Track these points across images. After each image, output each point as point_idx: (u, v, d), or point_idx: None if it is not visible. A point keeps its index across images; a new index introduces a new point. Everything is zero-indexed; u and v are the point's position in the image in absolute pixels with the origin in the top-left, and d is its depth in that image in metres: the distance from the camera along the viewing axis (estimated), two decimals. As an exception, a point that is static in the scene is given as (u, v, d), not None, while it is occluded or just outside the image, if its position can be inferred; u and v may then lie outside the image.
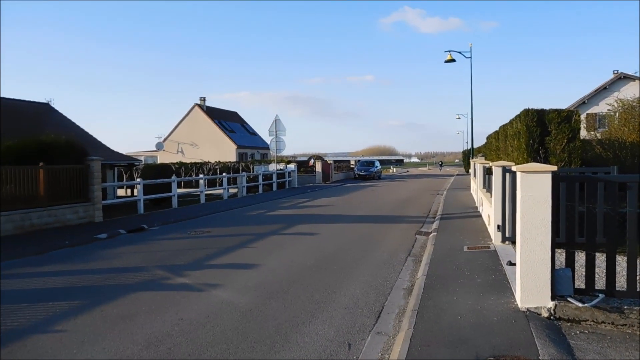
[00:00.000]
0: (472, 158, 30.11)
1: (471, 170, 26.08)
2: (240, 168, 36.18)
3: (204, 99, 56.17)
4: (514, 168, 5.84)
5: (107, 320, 5.97)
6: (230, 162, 40.89)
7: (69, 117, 28.55)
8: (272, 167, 33.95)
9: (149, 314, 6.17)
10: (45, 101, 28.63)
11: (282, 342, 5.14)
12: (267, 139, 37.24)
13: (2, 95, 25.25)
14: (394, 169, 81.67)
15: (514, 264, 6.95)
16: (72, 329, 5.66)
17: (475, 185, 18.60)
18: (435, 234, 11.54)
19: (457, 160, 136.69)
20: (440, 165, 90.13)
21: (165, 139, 55.28)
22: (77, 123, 28.41)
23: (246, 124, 64.60)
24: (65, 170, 14.66)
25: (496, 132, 20.64)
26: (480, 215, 14.23)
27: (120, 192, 31.71)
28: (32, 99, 27.50)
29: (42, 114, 26.11)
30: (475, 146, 37.19)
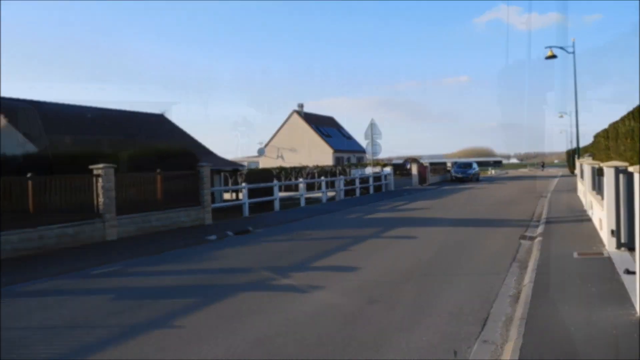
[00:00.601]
0: (578, 158, 28.19)
1: (577, 171, 24.46)
2: (337, 172, 36.61)
3: (301, 106, 57.71)
4: (630, 169, 5.50)
5: (220, 318, 6.39)
6: (327, 165, 41.50)
7: (179, 125, 30.77)
8: (368, 170, 34.03)
9: (257, 313, 6.52)
10: (159, 112, 31.07)
11: (387, 346, 5.21)
12: (363, 142, 37.42)
13: (124, 108, 27.94)
14: (492, 171, 78.28)
15: (633, 272, 6.51)
16: (190, 325, 6.13)
17: (583, 187, 17.45)
18: (540, 238, 11.02)
19: (556, 161, 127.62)
20: (542, 167, 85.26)
21: (266, 145, 57.41)
22: (187, 131, 30.51)
23: (342, 128, 65.33)
24: (179, 176, 15.80)
25: (605, 131, 19.20)
26: (589, 219, 13.35)
27: (226, 195, 33.39)
28: (149, 111, 29.97)
29: (157, 124, 28.47)
30: (580, 146, 34.76)
